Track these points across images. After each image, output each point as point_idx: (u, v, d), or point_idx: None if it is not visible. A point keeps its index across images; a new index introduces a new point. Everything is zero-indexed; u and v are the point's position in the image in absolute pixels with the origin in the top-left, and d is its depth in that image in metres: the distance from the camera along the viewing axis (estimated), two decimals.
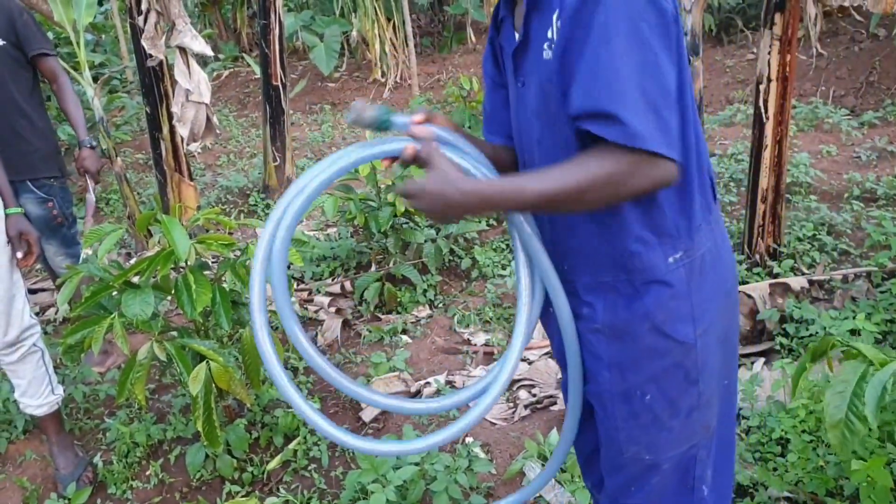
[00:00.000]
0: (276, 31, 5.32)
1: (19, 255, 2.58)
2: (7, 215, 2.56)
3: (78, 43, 4.32)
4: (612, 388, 1.46)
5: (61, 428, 2.91)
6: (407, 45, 8.39)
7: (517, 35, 1.40)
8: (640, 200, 1.33)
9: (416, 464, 2.51)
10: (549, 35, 1.29)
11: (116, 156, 4.55)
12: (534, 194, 1.26)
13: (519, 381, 3.22)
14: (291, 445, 2.88)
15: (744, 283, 3.57)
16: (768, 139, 3.57)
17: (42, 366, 2.75)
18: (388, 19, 8.89)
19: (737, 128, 6.23)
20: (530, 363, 3.32)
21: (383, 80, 8.95)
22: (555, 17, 1.27)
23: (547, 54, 1.30)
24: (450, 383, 3.26)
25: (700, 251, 1.39)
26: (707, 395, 1.46)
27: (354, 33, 9.12)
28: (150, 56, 4.14)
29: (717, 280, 1.43)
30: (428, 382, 3.26)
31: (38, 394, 2.75)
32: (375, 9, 8.71)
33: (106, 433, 3.11)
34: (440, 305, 4.01)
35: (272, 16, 5.23)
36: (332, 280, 4.31)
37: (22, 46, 3.19)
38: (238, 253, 2.60)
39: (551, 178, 1.26)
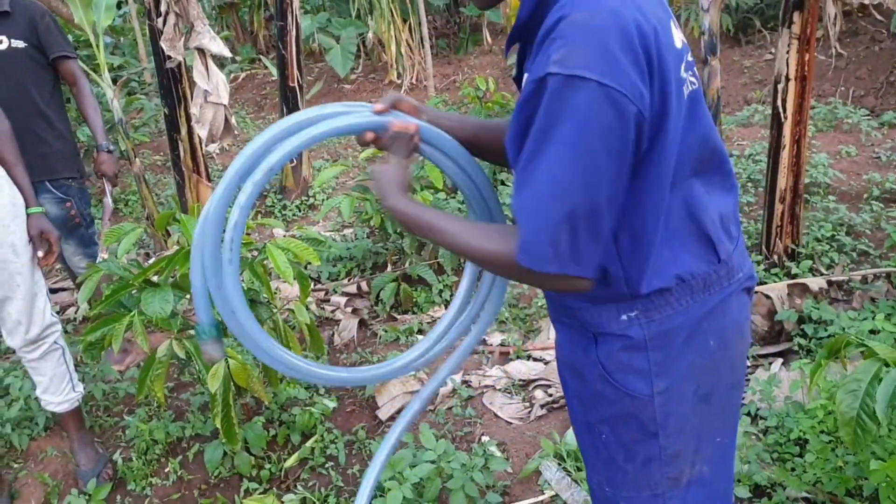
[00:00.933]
0: (293, 33, 5.34)
1: (40, 253, 2.62)
2: (28, 214, 2.60)
3: (97, 45, 4.36)
4: (579, 418, 1.48)
5: (82, 425, 2.94)
6: (423, 47, 8.40)
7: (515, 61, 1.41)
8: None
9: (433, 462, 2.52)
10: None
11: (135, 157, 4.58)
12: (445, 244, 1.32)
13: (535, 381, 3.22)
14: (308, 443, 2.90)
15: (762, 283, 3.55)
16: (787, 139, 3.55)
17: (63, 363, 2.78)
18: (404, 21, 8.90)
19: (754, 128, 6.19)
20: (546, 363, 3.32)
21: (399, 81, 8.96)
22: (524, 78, 1.24)
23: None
24: (466, 383, 3.27)
25: (666, 312, 1.32)
26: (674, 450, 1.40)
27: (370, 35, 9.15)
28: (169, 58, 4.17)
29: (691, 339, 1.35)
30: (444, 382, 3.26)
31: (59, 391, 2.79)
32: (391, 10, 8.73)
33: (125, 430, 3.14)
34: None
35: (289, 17, 5.26)
36: (349, 280, 4.33)
37: (43, 49, 3.23)
38: (256, 252, 2.62)
39: (466, 237, 1.29)
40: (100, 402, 3.33)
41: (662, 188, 1.24)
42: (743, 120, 6.45)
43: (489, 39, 9.42)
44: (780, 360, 3.07)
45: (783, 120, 3.53)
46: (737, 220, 1.44)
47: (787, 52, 3.42)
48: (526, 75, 1.23)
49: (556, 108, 1.10)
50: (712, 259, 1.35)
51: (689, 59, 1.31)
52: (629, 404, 1.36)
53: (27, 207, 2.60)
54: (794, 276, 3.57)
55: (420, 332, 3.76)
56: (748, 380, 2.97)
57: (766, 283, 3.55)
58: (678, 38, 1.26)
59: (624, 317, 1.32)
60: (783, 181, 3.62)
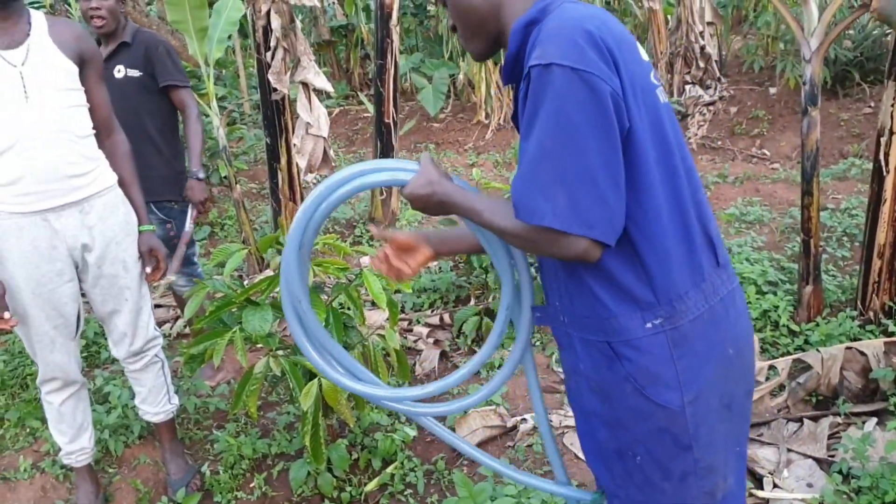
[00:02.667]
0: (392, 72, 5.52)
1: (148, 269, 2.76)
2: (140, 232, 2.76)
3: (208, 76, 4.62)
4: (609, 446, 1.48)
5: (175, 436, 3.06)
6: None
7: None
8: (602, 267, 1.37)
9: (514, 496, 2.53)
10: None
11: (236, 183, 4.80)
12: (479, 220, 1.42)
13: None
14: (389, 469, 2.94)
15: (856, 339, 3.45)
16: (888, 193, 3.46)
17: (162, 375, 2.92)
18: (496, 63, 9.06)
19: (851, 182, 6.03)
20: None
21: (486, 121, 9.11)
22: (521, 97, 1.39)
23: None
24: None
25: (687, 318, 1.38)
26: (707, 462, 1.44)
27: (461, 76, 9.34)
28: (275, 90, 4.38)
29: (712, 346, 1.41)
30: (524, 419, 3.27)
31: (156, 401, 2.93)
32: None
33: (214, 444, 3.25)
34: (537, 344, 4.02)
35: (388, 56, 5.44)
36: (432, 311, 4.40)
37: (155, 77, 3.43)
38: (352, 277, 2.71)
39: (493, 213, 1.39)
40: (191, 415, 3.46)
41: (656, 182, 1.34)
42: (839, 173, 6.29)
43: None
44: (875, 420, 2.97)
45: (885, 174, 3.44)
46: None
47: (892, 105, 3.35)
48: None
49: (539, 92, 1.28)
50: (714, 262, 1.44)
51: (656, 74, 1.45)
52: (662, 417, 1.40)
53: (139, 225, 2.76)
54: (892, 335, 3.45)
55: (501, 367, 3.77)
56: (840, 437, 2.88)
57: (860, 339, 3.44)
58: (644, 55, 1.43)
59: (649, 324, 1.38)
60: (882, 236, 3.52)
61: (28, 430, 3.53)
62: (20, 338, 2.67)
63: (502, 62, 1.49)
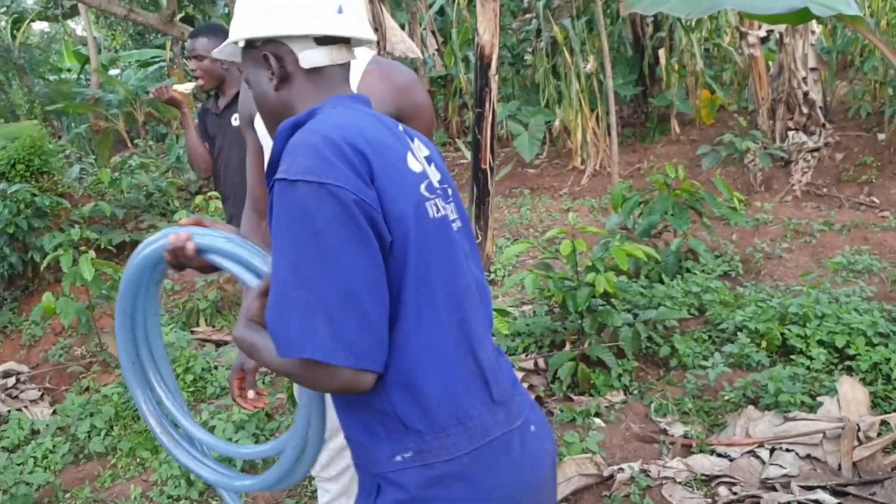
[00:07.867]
0: (490, 119, 5.61)
1: None
2: None
3: None
4: None
5: None
6: (609, 135, 8.51)
7: None
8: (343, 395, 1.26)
9: None
10: None
11: None
12: (258, 359, 1.29)
13: (719, 477, 3.10)
14: None
15: None
16: None
17: None
18: (592, 110, 9.09)
19: None
20: (732, 460, 3.19)
21: (582, 167, 9.11)
22: None
23: None
24: (644, 472, 3.19)
25: (443, 457, 1.24)
26: None
27: (557, 122, 9.41)
28: None
29: (476, 491, 1.25)
30: (621, 468, 3.21)
31: None
32: (580, 100, 8.96)
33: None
34: (635, 392, 3.96)
35: (487, 105, 5.54)
36: (526, 356, 4.39)
37: None
38: None
39: (267, 350, 1.24)
40: None
41: (409, 302, 1.22)
42: None
43: (677, 129, 9.40)
44: None
45: None
46: (504, 361, 1.40)
47: None
48: None
49: (285, 210, 1.18)
50: (486, 399, 1.29)
51: (442, 187, 1.35)
52: None
53: None
54: None
55: (597, 414, 3.73)
56: None
57: None
58: (416, 165, 1.32)
59: (398, 457, 1.25)
60: None
61: (139, 460, 3.70)
62: None
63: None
